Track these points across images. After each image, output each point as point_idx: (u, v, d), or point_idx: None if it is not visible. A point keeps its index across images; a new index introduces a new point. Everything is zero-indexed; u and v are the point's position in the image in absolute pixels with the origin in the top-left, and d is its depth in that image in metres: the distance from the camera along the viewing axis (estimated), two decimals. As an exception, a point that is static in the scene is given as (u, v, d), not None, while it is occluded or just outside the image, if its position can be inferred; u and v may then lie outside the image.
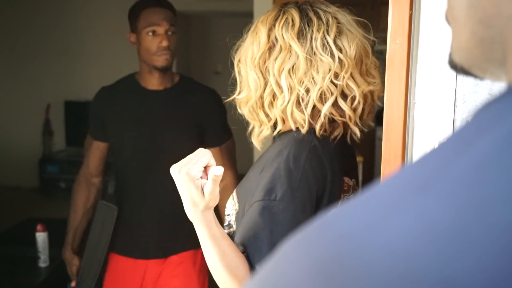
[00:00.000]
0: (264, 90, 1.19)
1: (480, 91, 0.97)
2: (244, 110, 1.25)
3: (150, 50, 2.11)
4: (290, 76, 1.15)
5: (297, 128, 1.19)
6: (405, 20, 1.02)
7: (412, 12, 1.01)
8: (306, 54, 1.14)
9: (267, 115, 1.21)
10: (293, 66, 1.14)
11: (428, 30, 1.00)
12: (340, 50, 1.15)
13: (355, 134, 1.24)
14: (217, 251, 1.07)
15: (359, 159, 4.19)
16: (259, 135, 1.27)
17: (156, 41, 2.09)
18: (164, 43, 2.09)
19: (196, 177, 1.04)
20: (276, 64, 1.15)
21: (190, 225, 2.08)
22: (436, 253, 0.25)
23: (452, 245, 0.25)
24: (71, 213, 2.35)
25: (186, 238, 2.17)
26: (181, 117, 2.22)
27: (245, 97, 1.23)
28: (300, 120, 1.17)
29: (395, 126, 1.08)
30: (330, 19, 1.17)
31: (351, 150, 1.35)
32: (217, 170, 1.02)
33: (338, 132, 1.22)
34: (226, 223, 1.28)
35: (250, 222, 1.10)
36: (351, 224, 0.29)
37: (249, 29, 1.25)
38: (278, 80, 1.16)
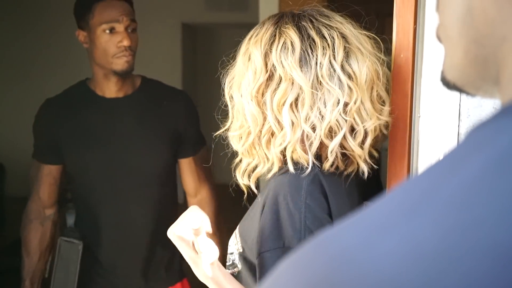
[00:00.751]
0: (263, 126, 1.03)
1: (485, 105, 0.97)
2: (237, 145, 1.09)
3: (108, 51, 1.76)
4: (293, 112, 0.99)
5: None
6: (410, 35, 1.03)
7: (416, 27, 1.02)
8: (311, 86, 0.98)
9: (265, 154, 1.06)
10: (296, 100, 0.99)
11: (433, 45, 1.01)
12: (349, 76, 0.99)
13: (363, 173, 1.04)
14: None
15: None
16: (253, 171, 1.10)
17: (114, 40, 1.75)
18: (125, 42, 1.74)
19: (184, 236, 1.01)
20: (275, 97, 1.00)
21: (170, 254, 1.92)
22: (421, 273, 0.26)
23: (437, 265, 0.26)
24: (24, 258, 1.94)
25: (169, 271, 1.96)
26: (149, 127, 1.87)
27: (242, 132, 1.07)
28: (302, 161, 1.01)
29: (400, 139, 1.09)
30: (336, 38, 1.00)
31: (374, 175, 1.14)
32: (194, 223, 0.96)
33: (352, 168, 1.05)
34: (229, 263, 1.16)
35: (264, 274, 1.00)
36: (343, 244, 0.30)
37: (240, 48, 1.09)
38: (277, 116, 1.00)
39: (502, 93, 0.37)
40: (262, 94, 1.02)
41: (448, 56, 0.43)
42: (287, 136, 1.00)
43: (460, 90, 0.44)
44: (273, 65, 1.01)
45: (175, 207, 2.01)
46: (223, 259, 1.19)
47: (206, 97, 7.02)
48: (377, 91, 1.02)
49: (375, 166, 1.06)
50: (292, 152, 1.01)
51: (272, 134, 1.03)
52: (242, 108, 1.05)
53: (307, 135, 1.00)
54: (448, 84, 0.44)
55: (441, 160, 0.33)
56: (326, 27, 1.01)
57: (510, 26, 0.36)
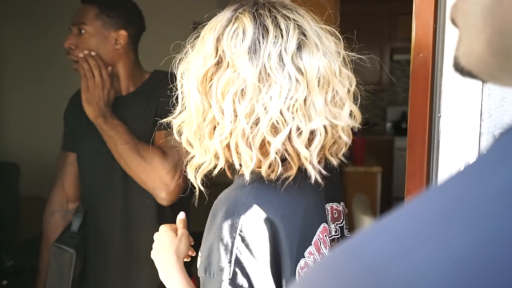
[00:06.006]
0: (207, 115, 0.95)
1: (507, 104, 0.96)
2: (183, 136, 1.01)
3: None
4: (238, 102, 0.91)
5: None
6: (429, 34, 1.02)
7: (436, 26, 1.01)
8: (258, 77, 0.90)
9: (207, 147, 0.97)
10: (241, 90, 0.91)
11: (454, 43, 0.99)
12: (299, 70, 0.91)
13: (309, 178, 0.94)
14: None
15: (378, 169, 4.16)
16: (200, 167, 1.00)
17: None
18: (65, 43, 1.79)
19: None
20: (219, 85, 0.92)
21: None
22: (455, 280, 0.26)
23: (469, 273, 0.26)
24: (43, 251, 1.92)
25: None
26: (141, 119, 1.78)
27: (185, 122, 0.99)
28: (246, 157, 0.93)
29: (419, 139, 1.07)
30: (292, 28, 0.92)
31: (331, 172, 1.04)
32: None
33: (291, 173, 0.95)
34: None
35: None
36: (375, 254, 0.30)
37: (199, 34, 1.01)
38: (221, 105, 0.92)
39: None
40: (209, 81, 0.94)
41: (466, 43, 0.41)
42: (226, 127, 0.91)
43: (473, 76, 0.43)
44: (223, 51, 0.93)
45: None
46: None
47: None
48: (333, 91, 0.94)
49: (324, 172, 0.95)
50: (236, 147, 0.93)
51: (216, 125, 0.94)
52: (188, 95, 0.97)
53: (251, 128, 0.91)
54: (461, 70, 0.43)
55: (470, 166, 0.33)
56: (284, 18, 0.94)
57: None
